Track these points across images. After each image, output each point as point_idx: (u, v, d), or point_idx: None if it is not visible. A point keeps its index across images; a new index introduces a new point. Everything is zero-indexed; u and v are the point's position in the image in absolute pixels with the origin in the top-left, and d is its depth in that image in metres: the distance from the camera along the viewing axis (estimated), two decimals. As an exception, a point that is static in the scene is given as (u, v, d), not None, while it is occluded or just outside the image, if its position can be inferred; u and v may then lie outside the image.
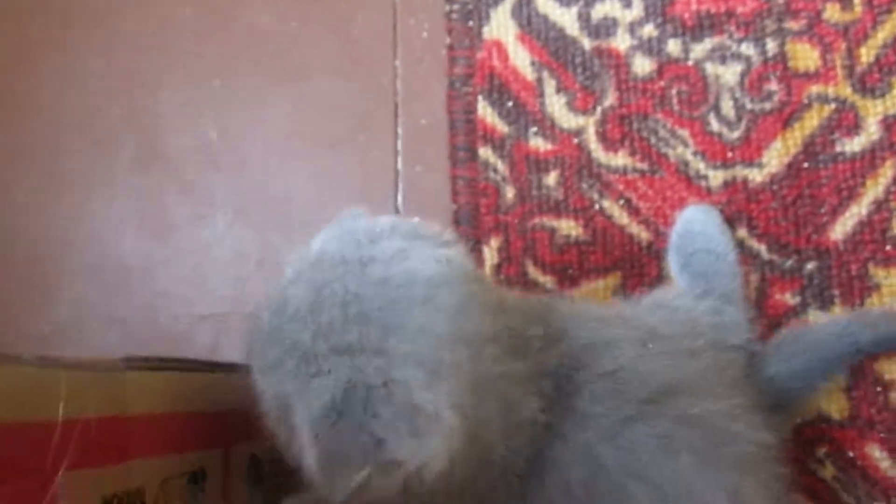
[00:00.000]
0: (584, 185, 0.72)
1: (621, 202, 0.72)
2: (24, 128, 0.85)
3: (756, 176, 0.71)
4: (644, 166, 0.72)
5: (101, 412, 0.37)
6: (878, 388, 0.66)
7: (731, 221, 0.70)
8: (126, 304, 0.79)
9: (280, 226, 0.78)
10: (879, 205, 0.69)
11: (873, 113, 0.70)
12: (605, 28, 0.75)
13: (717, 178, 0.71)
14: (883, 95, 0.70)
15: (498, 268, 0.72)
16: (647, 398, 0.48)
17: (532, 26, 0.76)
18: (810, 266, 0.69)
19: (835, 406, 0.66)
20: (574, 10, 0.76)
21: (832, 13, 0.72)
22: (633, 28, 0.75)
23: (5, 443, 0.31)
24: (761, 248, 0.69)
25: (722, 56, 0.73)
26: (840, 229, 0.69)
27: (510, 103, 0.75)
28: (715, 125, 0.72)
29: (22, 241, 0.83)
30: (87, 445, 0.36)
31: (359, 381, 0.39)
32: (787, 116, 0.71)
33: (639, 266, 0.71)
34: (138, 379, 0.41)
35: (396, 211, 0.76)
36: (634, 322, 0.56)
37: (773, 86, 0.72)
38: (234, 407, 0.53)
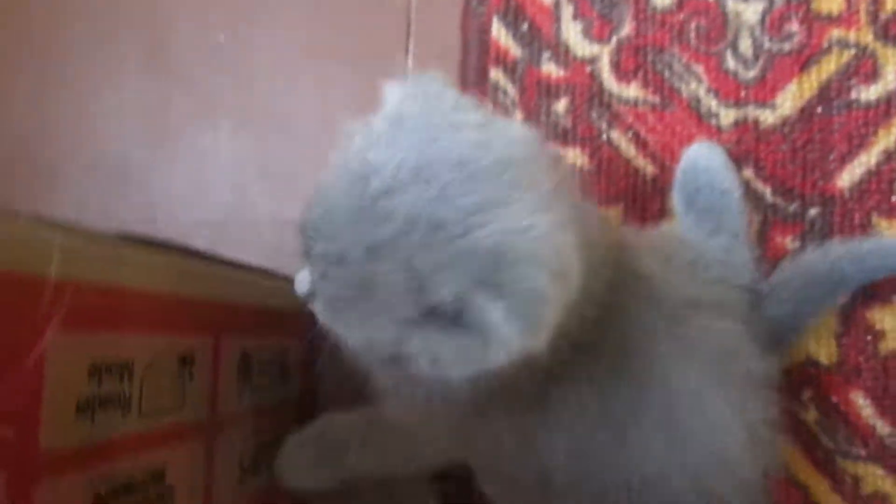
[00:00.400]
0: (594, 115, 0.72)
1: (629, 134, 0.71)
2: (31, 14, 0.83)
3: (768, 118, 0.70)
4: (655, 100, 0.71)
5: (96, 279, 0.37)
6: (868, 337, 0.66)
7: (738, 161, 0.69)
8: (125, 204, 0.79)
9: (282, 137, 0.77)
10: (889, 155, 0.68)
11: (893, 62, 0.69)
12: (627, -45, 0.73)
13: (728, 116, 0.70)
14: (904, 44, 0.69)
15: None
16: (676, 304, 0.48)
17: (553, -52, 0.74)
18: (813, 212, 0.68)
19: (824, 351, 0.67)
20: (598, -66, 0.74)
21: (861, -44, 0.70)
22: (656, -43, 0.73)
23: (-4, 291, 0.31)
24: (766, 190, 0.69)
25: (745, -7, 0.72)
26: (847, 177, 0.68)
27: (525, 26, 0.73)
28: (731, 63, 0.71)
29: (24, 135, 0.82)
30: (79, 309, 0.36)
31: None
32: (805, 59, 0.70)
33: (642, 200, 0.70)
34: (136, 254, 0.41)
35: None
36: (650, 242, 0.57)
37: (794, 27, 0.70)
38: (228, 300, 0.54)
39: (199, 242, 0.76)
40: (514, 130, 0.44)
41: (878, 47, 0.69)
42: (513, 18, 0.74)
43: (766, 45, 0.71)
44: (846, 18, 0.70)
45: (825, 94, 0.69)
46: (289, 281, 0.65)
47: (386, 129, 0.42)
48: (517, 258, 0.37)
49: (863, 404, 0.66)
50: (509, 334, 0.37)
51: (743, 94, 0.70)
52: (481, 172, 0.39)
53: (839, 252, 0.64)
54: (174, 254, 0.46)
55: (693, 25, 0.72)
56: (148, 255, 0.43)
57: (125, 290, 0.40)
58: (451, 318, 0.38)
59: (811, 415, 0.66)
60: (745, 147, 0.69)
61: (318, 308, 0.43)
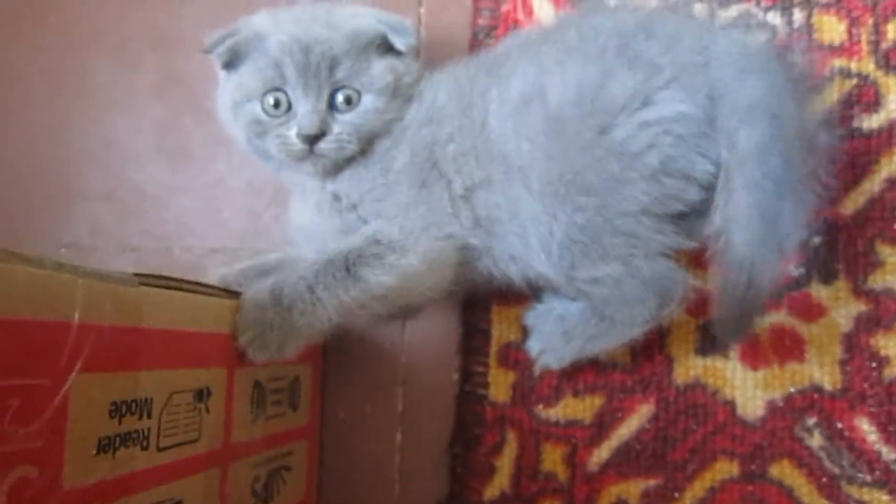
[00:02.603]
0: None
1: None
2: (44, 31, 0.85)
3: (771, 146, 0.71)
4: (660, 129, 0.72)
5: (116, 321, 0.39)
6: (873, 364, 0.67)
7: (742, 189, 0.70)
8: (140, 231, 0.81)
9: (295, 164, 0.79)
10: (892, 183, 0.69)
11: (895, 91, 0.70)
12: (632, -12, 0.75)
13: (732, 145, 0.71)
14: (906, 73, 0.70)
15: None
16: None
17: (559, -19, 0.76)
18: (817, 239, 0.69)
19: (828, 377, 0.67)
20: (603, -33, 0.75)
21: (863, -13, 0.72)
22: (660, -11, 0.74)
23: (22, 338, 0.33)
24: (770, 217, 0.70)
25: (747, 24, 0.73)
26: (850, 205, 0.69)
27: (531, 57, 0.75)
28: (734, 92, 0.72)
29: (44, 162, 0.84)
30: (101, 351, 0.37)
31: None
32: (807, 88, 0.71)
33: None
34: (153, 295, 0.42)
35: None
36: None
37: (797, 57, 0.71)
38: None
39: (214, 269, 0.78)
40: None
41: (880, 76, 0.70)
42: (519, 49, 0.75)
43: (769, 74, 0.72)
44: (848, 48, 0.71)
45: (828, 122, 0.70)
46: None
47: None
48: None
49: (868, 430, 0.66)
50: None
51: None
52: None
53: None
54: (189, 290, 0.47)
55: (697, 55, 0.73)
56: (164, 295, 0.44)
57: (143, 330, 0.41)
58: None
59: (816, 440, 0.67)
60: (749, 175, 0.70)
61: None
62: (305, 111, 0.61)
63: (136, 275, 0.42)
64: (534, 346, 0.67)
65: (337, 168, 0.64)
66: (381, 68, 0.63)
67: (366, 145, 0.64)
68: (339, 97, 0.62)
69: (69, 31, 0.85)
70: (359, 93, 0.63)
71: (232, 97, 0.64)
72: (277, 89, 0.62)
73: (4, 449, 0.32)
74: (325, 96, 0.62)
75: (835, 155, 0.60)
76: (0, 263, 0.32)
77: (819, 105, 0.60)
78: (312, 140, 0.61)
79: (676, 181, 0.57)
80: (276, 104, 0.62)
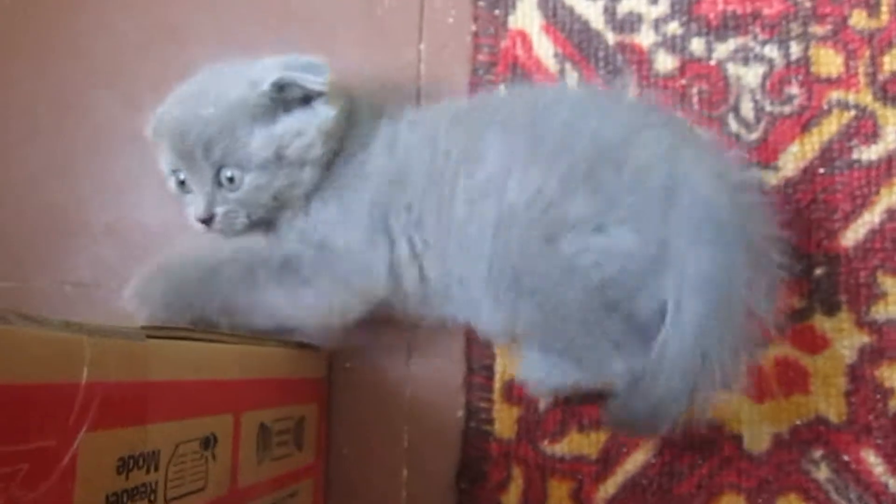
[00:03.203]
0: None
1: (635, 197, 0.73)
2: (56, 77, 0.86)
3: (771, 178, 0.71)
4: (660, 163, 0.73)
5: (123, 377, 0.39)
6: (878, 395, 0.67)
7: (743, 222, 0.71)
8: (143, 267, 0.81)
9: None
10: (892, 214, 0.69)
11: (893, 122, 0.70)
12: (629, 23, 0.75)
13: (731, 178, 0.71)
14: (903, 105, 0.71)
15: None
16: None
17: (557, 18, 0.76)
18: (819, 271, 0.69)
19: (833, 409, 0.67)
20: (600, 3, 0.76)
21: (858, 19, 0.72)
22: (657, 24, 0.75)
23: (30, 403, 0.33)
24: (771, 250, 0.70)
25: (745, 57, 0.73)
26: (851, 236, 0.69)
27: (531, 93, 0.75)
28: (733, 126, 0.73)
29: (46, 195, 0.85)
30: (108, 408, 0.37)
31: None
32: (805, 121, 0.72)
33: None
34: (159, 347, 0.43)
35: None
36: None
37: (795, 89, 0.72)
38: (246, 377, 0.55)
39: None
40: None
41: (878, 108, 0.71)
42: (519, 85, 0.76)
43: (768, 107, 0.72)
44: (845, 80, 0.72)
45: (827, 154, 0.71)
46: (303, 348, 0.67)
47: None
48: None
49: (874, 462, 0.66)
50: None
51: (746, 155, 0.72)
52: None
53: None
54: (194, 339, 0.48)
55: (695, 90, 0.73)
56: (170, 346, 0.44)
57: (150, 384, 0.41)
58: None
59: (822, 473, 0.67)
60: (750, 208, 0.71)
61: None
62: (195, 195, 0.64)
63: (143, 328, 0.42)
64: (520, 375, 0.68)
65: (256, 225, 0.66)
66: (260, 141, 0.62)
67: (280, 205, 0.64)
68: (223, 176, 0.63)
69: (76, 71, 0.86)
70: (241, 170, 0.62)
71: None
72: (176, 170, 0.65)
73: (14, 512, 0.32)
74: (210, 178, 0.63)
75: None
76: (6, 327, 0.33)
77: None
78: (206, 220, 0.64)
79: (619, 293, 0.57)
80: (181, 183, 0.65)
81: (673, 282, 0.56)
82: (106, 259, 0.83)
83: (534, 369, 0.65)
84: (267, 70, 0.63)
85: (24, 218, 0.85)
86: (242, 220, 0.64)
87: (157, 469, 0.42)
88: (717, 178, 0.57)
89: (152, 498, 0.42)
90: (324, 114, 0.64)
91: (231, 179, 0.63)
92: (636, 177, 0.57)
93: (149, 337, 0.42)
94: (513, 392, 0.72)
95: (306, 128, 0.63)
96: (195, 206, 0.64)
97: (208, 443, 0.48)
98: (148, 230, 0.82)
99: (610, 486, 0.69)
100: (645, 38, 0.75)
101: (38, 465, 0.33)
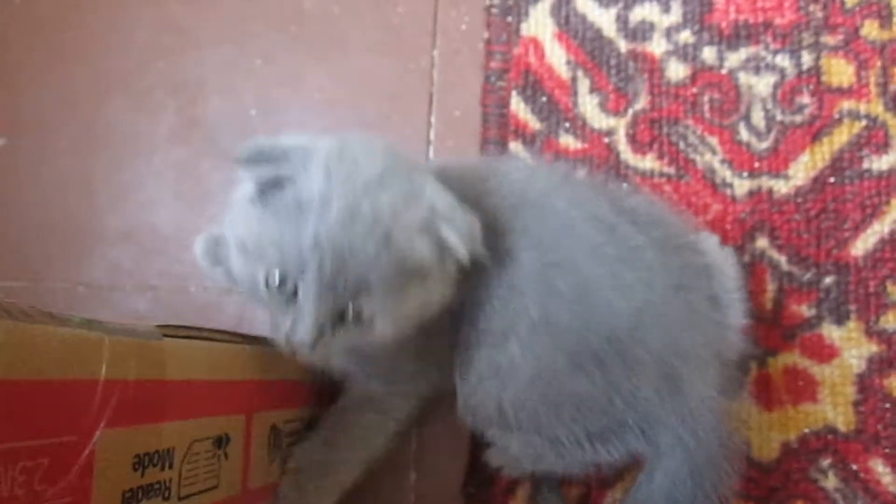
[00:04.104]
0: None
1: (646, 204, 0.73)
2: (71, 78, 0.87)
3: (781, 187, 0.71)
4: (671, 171, 0.73)
5: (140, 376, 0.39)
6: (887, 405, 0.67)
7: (752, 231, 0.71)
8: (158, 270, 0.82)
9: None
10: (902, 224, 0.69)
11: (904, 132, 0.71)
12: (641, 31, 0.76)
13: (742, 186, 0.72)
14: (914, 116, 0.71)
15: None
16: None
17: (570, 25, 0.77)
18: (828, 280, 0.69)
19: (842, 418, 0.67)
20: (612, 11, 0.77)
21: (870, 30, 0.73)
22: (669, 33, 0.75)
23: (51, 399, 0.33)
24: (781, 259, 0.70)
25: (756, 66, 0.74)
26: (861, 245, 0.70)
27: (543, 100, 0.76)
28: (744, 134, 0.73)
29: (64, 201, 0.86)
30: (125, 406, 0.38)
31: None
32: (816, 130, 0.72)
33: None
34: (175, 347, 0.43)
35: (425, 198, 0.77)
36: None
37: (806, 99, 0.73)
38: (258, 378, 0.56)
39: (230, 309, 0.79)
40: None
41: (889, 118, 0.71)
42: (531, 92, 0.76)
43: (779, 116, 0.73)
44: (856, 90, 0.72)
45: (837, 164, 0.71)
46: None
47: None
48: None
49: (882, 471, 0.66)
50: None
51: (756, 164, 0.72)
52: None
53: None
54: (209, 339, 0.48)
55: (707, 98, 0.74)
56: (186, 346, 0.45)
57: (167, 383, 0.42)
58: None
59: (831, 482, 0.67)
60: (760, 216, 0.71)
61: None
62: (304, 317, 0.49)
63: (159, 327, 0.43)
64: (492, 459, 0.68)
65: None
66: (414, 301, 0.52)
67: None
68: (350, 312, 0.50)
69: (94, 80, 0.87)
70: (373, 316, 0.51)
71: (241, 235, 0.53)
72: (287, 278, 0.50)
73: (34, 506, 0.32)
74: (335, 308, 0.50)
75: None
76: (30, 325, 0.33)
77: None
78: (303, 344, 0.50)
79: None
80: (282, 282, 0.49)
81: (652, 448, 0.59)
82: (120, 262, 0.83)
83: (504, 456, 0.66)
84: (446, 230, 0.51)
85: (43, 222, 0.86)
86: (336, 361, 0.60)
87: (171, 467, 0.43)
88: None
89: (167, 495, 0.42)
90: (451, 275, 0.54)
91: (358, 318, 0.51)
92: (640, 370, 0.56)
93: (165, 336, 0.43)
94: (522, 397, 0.72)
95: (446, 283, 0.54)
96: (297, 329, 0.49)
97: (221, 442, 0.49)
98: (161, 234, 0.83)
99: (618, 492, 0.69)
100: (657, 46, 0.75)
101: (58, 461, 0.34)
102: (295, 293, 0.49)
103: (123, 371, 0.38)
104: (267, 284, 0.50)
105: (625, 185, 0.73)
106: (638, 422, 0.57)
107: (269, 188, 0.51)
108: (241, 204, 0.54)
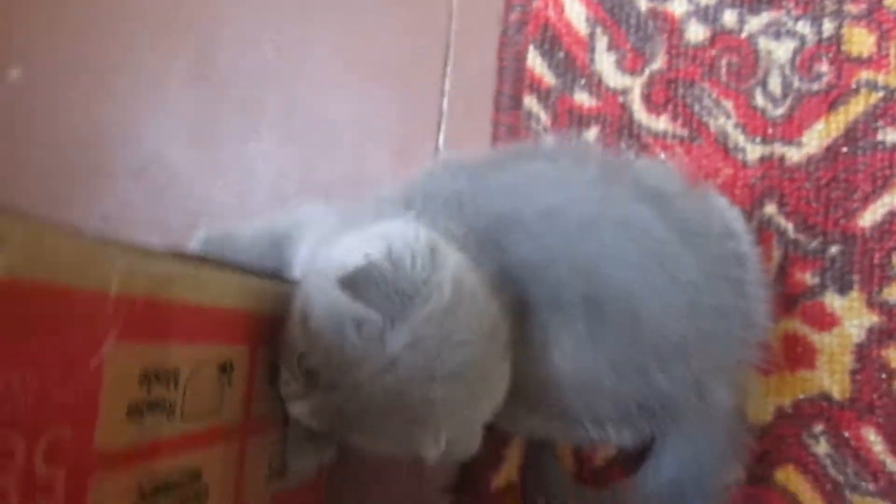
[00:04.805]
0: (623, 145, 0.74)
1: (657, 165, 0.73)
2: (88, 11, 0.87)
3: (793, 155, 0.71)
4: (684, 132, 0.73)
5: (150, 294, 0.40)
6: (883, 375, 0.68)
7: (762, 197, 0.71)
8: (169, 209, 0.83)
9: (324, 150, 0.80)
10: (912, 197, 0.69)
11: (921, 106, 0.70)
12: (663, -9, 0.75)
13: (754, 152, 0.72)
14: (933, 89, 0.70)
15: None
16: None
17: (591, -19, 0.76)
18: (834, 249, 0.70)
19: (837, 386, 0.68)
20: (635, -31, 0.76)
21: (893, 1, 0.72)
22: (691, -6, 0.75)
23: (64, 303, 0.34)
24: (788, 226, 0.70)
25: (776, 32, 0.73)
26: (869, 217, 0.70)
27: (560, 56, 0.76)
28: (760, 100, 0.73)
29: (78, 139, 0.86)
30: (135, 321, 0.39)
31: None
32: (833, 99, 0.72)
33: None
34: (185, 271, 0.44)
35: (437, 149, 0.78)
36: None
37: (824, 67, 0.72)
38: (264, 312, 0.57)
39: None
40: None
41: (907, 91, 0.71)
42: (549, 47, 0.76)
43: (796, 83, 0.72)
44: (876, 61, 0.72)
45: (851, 134, 0.71)
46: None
47: None
48: None
49: (874, 440, 0.67)
50: None
51: (770, 130, 0.72)
52: None
53: None
54: (218, 268, 0.49)
55: (724, 62, 0.74)
56: (195, 271, 0.46)
57: (175, 304, 0.43)
58: None
59: (822, 448, 0.68)
60: (770, 183, 0.71)
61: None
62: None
63: (170, 250, 0.44)
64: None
65: None
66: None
67: None
68: None
69: (112, 14, 0.87)
70: None
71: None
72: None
73: (42, 411, 0.33)
74: None
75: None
76: (48, 233, 0.34)
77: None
78: None
79: None
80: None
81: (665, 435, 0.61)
82: (132, 198, 0.84)
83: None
84: None
85: (59, 155, 0.87)
86: None
87: (176, 387, 0.44)
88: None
89: (171, 414, 0.43)
90: None
91: None
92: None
93: (175, 260, 0.44)
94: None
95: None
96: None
97: (225, 368, 0.50)
98: (173, 172, 0.83)
99: (611, 448, 0.71)
100: (678, 6, 0.75)
101: (67, 366, 0.35)
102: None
103: (134, 288, 0.39)
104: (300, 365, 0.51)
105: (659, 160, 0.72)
106: (662, 415, 0.58)
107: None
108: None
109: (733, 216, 0.64)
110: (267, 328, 0.57)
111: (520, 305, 0.54)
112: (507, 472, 0.72)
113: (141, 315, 0.40)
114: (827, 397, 0.68)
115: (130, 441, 0.40)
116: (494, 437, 0.71)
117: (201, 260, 0.47)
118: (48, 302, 0.33)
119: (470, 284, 0.50)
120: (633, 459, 0.70)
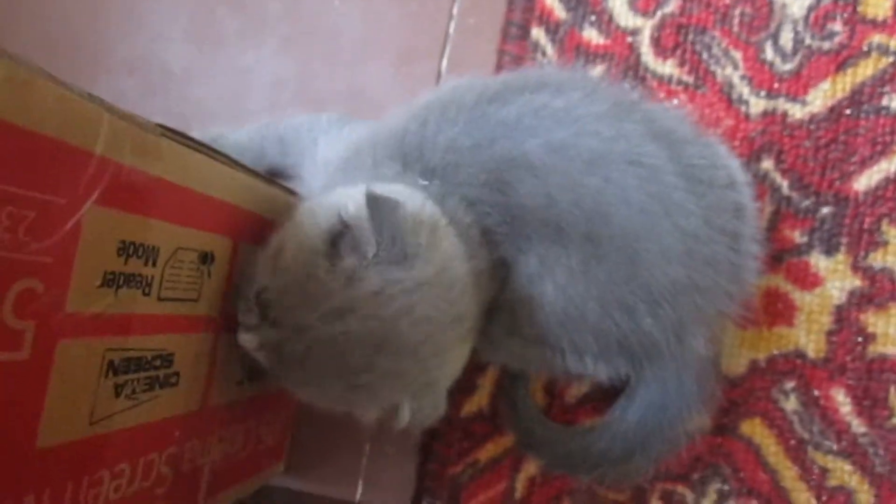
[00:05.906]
0: (627, 86, 0.73)
1: (659, 109, 0.72)
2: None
3: (796, 112, 0.71)
4: (689, 79, 0.72)
5: (134, 163, 0.39)
6: (859, 339, 0.68)
7: (760, 151, 0.70)
8: (161, 107, 0.81)
9: (324, 60, 0.79)
10: (909, 166, 0.69)
11: (929, 75, 0.70)
12: (685, -68, 0.74)
13: (757, 105, 0.71)
14: (943, 58, 0.70)
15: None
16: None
17: (613, -85, 0.75)
18: (825, 210, 0.70)
19: (813, 346, 0.69)
20: None
21: (916, -35, 0.71)
22: (712, -62, 0.73)
23: (46, 154, 0.33)
24: (783, 182, 0.70)
25: (793, -13, 0.72)
26: (864, 181, 0.69)
27: (573, -11, 0.74)
28: (769, 54, 0.72)
29: (73, 25, 0.84)
30: (116, 188, 0.38)
31: None
32: (842, 60, 0.71)
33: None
34: (172, 148, 0.43)
35: (439, 72, 0.76)
36: None
37: (838, 26, 0.71)
38: (248, 208, 0.56)
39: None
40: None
41: (917, 58, 0.70)
42: None
43: (807, 40, 0.71)
44: (890, 25, 0.71)
45: (857, 96, 0.70)
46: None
47: None
48: None
49: (843, 401, 0.68)
50: None
51: (776, 85, 0.71)
52: None
53: None
54: (207, 154, 0.48)
55: (738, 11, 0.72)
56: (183, 151, 0.45)
57: (160, 180, 0.42)
58: None
59: (790, 404, 0.69)
60: (770, 138, 0.71)
61: None
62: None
63: (159, 125, 0.43)
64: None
65: None
66: None
67: None
68: None
69: None
70: None
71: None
72: None
73: (16, 257, 0.33)
74: None
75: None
76: (35, 78, 0.33)
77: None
78: None
79: None
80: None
81: (639, 376, 0.61)
82: (125, 94, 0.83)
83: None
84: None
85: (52, 47, 0.85)
86: None
87: (154, 265, 0.43)
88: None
89: (146, 291, 0.43)
90: None
91: None
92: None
93: (163, 136, 0.43)
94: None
95: None
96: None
97: (206, 258, 0.49)
98: (168, 71, 0.82)
99: (584, 386, 0.71)
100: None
101: (45, 218, 0.34)
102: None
103: (119, 153, 0.38)
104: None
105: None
106: (641, 354, 0.57)
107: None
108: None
109: (735, 166, 0.63)
110: (251, 226, 0.56)
111: (515, 244, 0.55)
112: (479, 399, 0.72)
113: (125, 183, 0.39)
114: (801, 355, 0.69)
115: (103, 309, 0.39)
116: (470, 364, 0.72)
117: (193, 144, 0.46)
118: (30, 150, 0.33)
119: (452, 275, 0.51)
120: (603, 400, 0.70)
